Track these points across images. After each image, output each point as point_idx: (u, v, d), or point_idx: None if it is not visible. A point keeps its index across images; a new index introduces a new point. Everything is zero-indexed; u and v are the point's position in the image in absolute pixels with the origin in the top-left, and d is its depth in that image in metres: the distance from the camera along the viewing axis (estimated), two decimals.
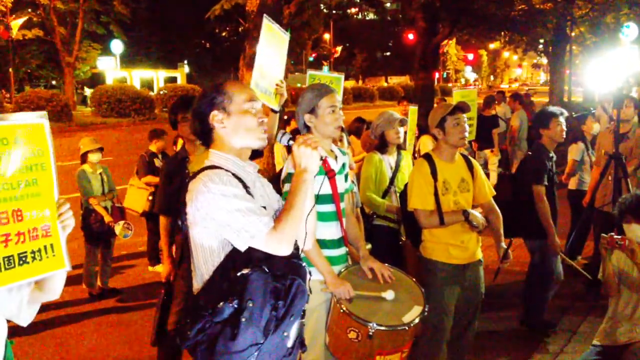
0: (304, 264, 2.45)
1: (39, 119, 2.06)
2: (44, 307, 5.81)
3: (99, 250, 6.53)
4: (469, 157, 4.24)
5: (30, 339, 5.35)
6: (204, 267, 2.36)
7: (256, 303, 2.19)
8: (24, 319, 2.33)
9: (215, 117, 2.42)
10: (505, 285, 6.21)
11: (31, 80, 41.77)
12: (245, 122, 2.43)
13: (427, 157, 4.06)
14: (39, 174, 2.06)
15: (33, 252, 2.03)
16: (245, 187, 2.36)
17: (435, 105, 14.48)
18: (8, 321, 2.32)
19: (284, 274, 2.30)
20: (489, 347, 5.04)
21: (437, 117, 4.01)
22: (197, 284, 2.39)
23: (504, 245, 4.14)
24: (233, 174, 2.36)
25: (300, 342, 2.49)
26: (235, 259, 2.28)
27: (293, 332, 2.39)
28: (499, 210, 4.18)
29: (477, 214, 3.89)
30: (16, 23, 31.44)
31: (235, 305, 2.18)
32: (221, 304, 2.18)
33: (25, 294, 2.26)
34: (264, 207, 2.38)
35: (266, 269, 2.25)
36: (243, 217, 2.25)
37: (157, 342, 4.33)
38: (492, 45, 66.61)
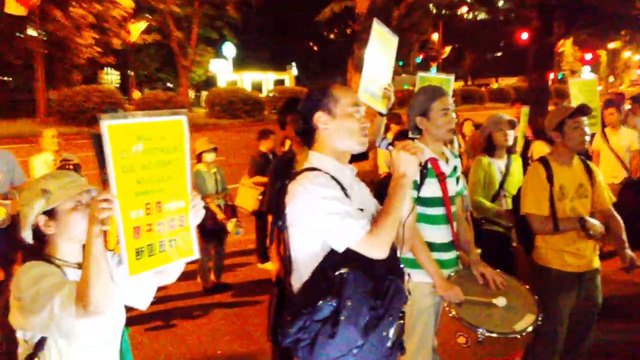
0: (402, 265, 2.47)
1: (179, 116, 2.16)
2: (160, 299, 6.16)
3: (212, 246, 6.78)
4: (588, 161, 4.06)
5: (146, 328, 5.67)
6: (302, 267, 2.41)
7: (354, 302, 2.22)
8: (144, 303, 2.49)
9: (320, 118, 2.48)
10: (624, 296, 5.90)
11: (150, 82, 44.11)
12: (348, 126, 2.47)
13: (543, 161, 3.92)
14: (177, 168, 2.17)
15: (170, 240, 2.16)
16: (343, 189, 2.40)
17: (549, 107, 13.95)
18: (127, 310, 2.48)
19: (382, 275, 2.31)
20: (605, 359, 4.80)
21: (555, 119, 3.87)
22: (295, 283, 2.44)
23: (629, 252, 3.85)
24: (331, 177, 2.41)
25: (399, 344, 2.48)
26: (334, 259, 2.31)
27: (392, 333, 2.39)
28: (619, 217, 3.97)
29: (595, 222, 3.67)
30: (138, 28, 33.27)
31: (334, 304, 2.22)
32: (320, 302, 2.22)
33: (147, 278, 2.40)
34: (361, 210, 2.41)
35: (364, 270, 2.27)
36: (341, 219, 2.29)
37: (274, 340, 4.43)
38: (612, 45, 63.12)
